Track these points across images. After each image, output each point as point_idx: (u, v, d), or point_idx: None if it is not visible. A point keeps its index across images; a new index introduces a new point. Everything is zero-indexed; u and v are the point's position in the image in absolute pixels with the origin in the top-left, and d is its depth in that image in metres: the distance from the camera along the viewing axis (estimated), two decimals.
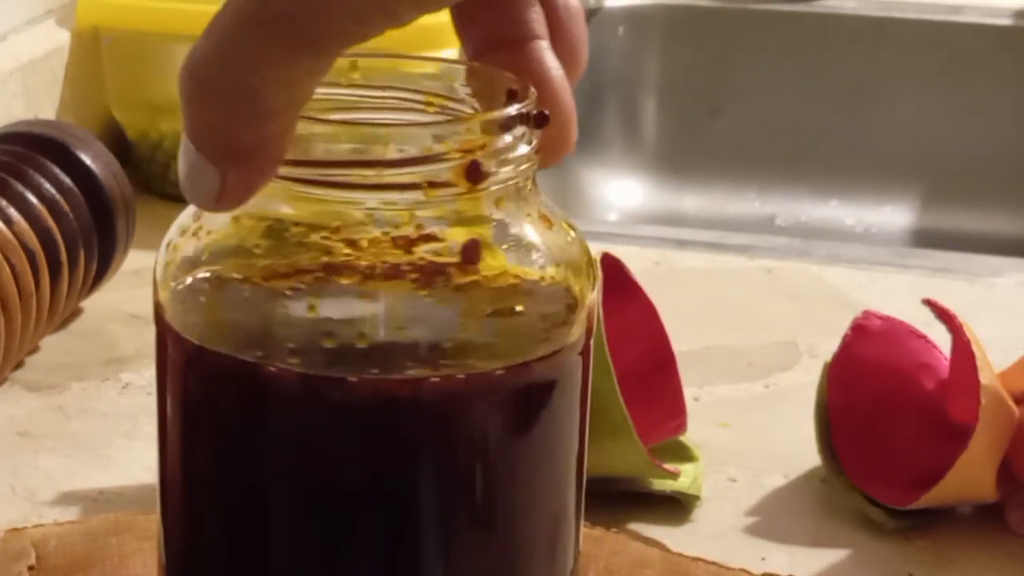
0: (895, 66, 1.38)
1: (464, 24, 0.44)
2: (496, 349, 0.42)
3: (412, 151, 0.41)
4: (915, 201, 1.37)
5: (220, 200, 0.39)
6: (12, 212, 0.74)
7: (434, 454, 0.42)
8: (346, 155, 0.41)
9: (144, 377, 0.77)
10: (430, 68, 0.46)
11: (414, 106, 0.45)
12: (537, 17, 0.43)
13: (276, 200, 0.41)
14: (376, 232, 0.42)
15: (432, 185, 0.41)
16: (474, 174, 0.41)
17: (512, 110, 0.42)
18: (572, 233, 0.44)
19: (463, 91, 0.44)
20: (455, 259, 0.42)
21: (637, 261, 0.77)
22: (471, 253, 0.42)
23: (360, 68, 0.45)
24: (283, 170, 0.40)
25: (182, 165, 0.39)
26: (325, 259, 0.42)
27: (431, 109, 0.45)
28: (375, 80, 0.45)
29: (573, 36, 0.44)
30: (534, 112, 0.42)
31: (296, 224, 0.42)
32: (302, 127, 0.40)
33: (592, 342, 0.44)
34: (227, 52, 0.38)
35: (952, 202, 1.36)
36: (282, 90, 0.38)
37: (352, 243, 0.42)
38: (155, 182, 1.00)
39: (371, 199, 0.41)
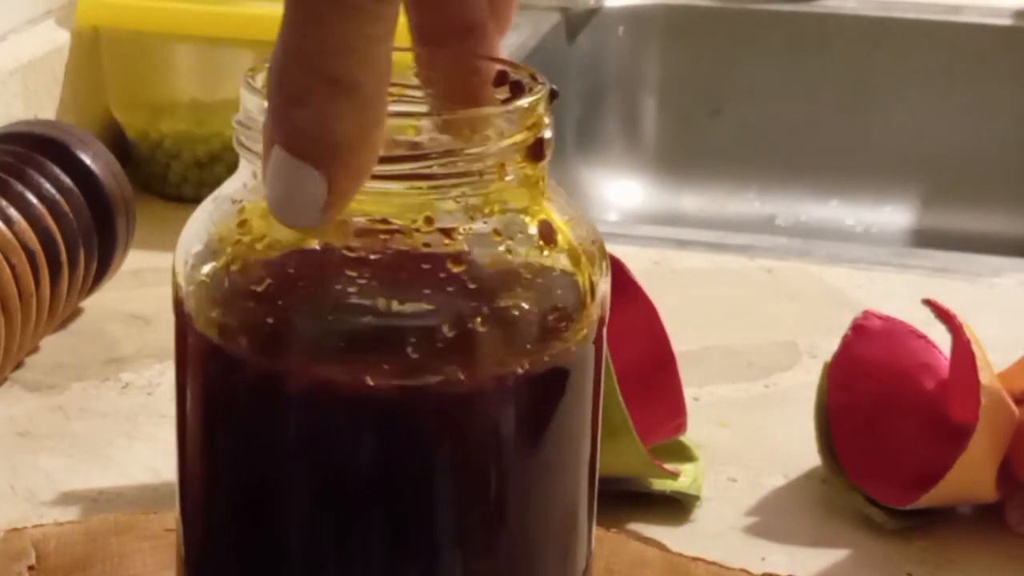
0: (895, 66, 1.37)
1: (414, 10, 0.45)
2: (510, 338, 0.42)
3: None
4: (915, 201, 1.37)
5: (327, 208, 0.38)
6: (12, 212, 0.74)
7: (452, 444, 0.42)
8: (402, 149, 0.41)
9: (144, 377, 0.77)
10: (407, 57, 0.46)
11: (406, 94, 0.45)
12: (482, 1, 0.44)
13: None
14: (396, 224, 0.42)
15: (502, 167, 0.42)
16: (537, 152, 0.42)
17: (548, 88, 0.43)
18: (583, 223, 0.44)
19: (414, 79, 0.45)
20: (466, 249, 0.42)
21: (637, 261, 0.77)
22: (547, 232, 0.43)
23: None
24: None
25: (277, 184, 0.38)
26: (344, 252, 0.42)
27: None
28: None
29: None
30: (550, 88, 0.43)
31: None
32: None
33: (604, 332, 0.45)
34: (301, 43, 0.38)
35: (952, 202, 1.36)
36: (362, 61, 0.37)
37: (368, 236, 0.42)
38: (155, 182, 1.00)
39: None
